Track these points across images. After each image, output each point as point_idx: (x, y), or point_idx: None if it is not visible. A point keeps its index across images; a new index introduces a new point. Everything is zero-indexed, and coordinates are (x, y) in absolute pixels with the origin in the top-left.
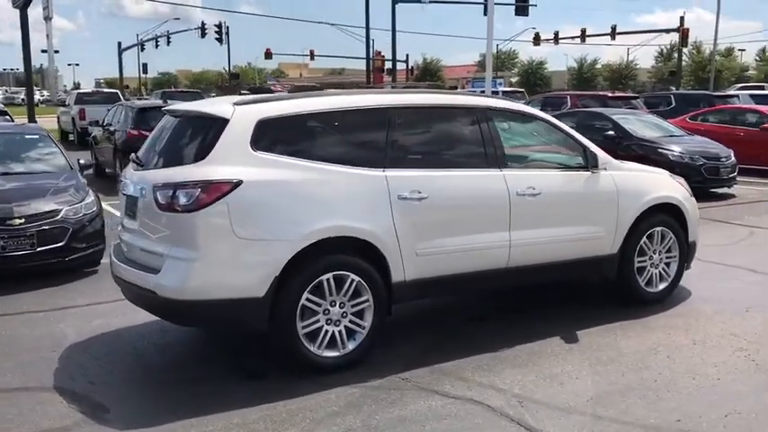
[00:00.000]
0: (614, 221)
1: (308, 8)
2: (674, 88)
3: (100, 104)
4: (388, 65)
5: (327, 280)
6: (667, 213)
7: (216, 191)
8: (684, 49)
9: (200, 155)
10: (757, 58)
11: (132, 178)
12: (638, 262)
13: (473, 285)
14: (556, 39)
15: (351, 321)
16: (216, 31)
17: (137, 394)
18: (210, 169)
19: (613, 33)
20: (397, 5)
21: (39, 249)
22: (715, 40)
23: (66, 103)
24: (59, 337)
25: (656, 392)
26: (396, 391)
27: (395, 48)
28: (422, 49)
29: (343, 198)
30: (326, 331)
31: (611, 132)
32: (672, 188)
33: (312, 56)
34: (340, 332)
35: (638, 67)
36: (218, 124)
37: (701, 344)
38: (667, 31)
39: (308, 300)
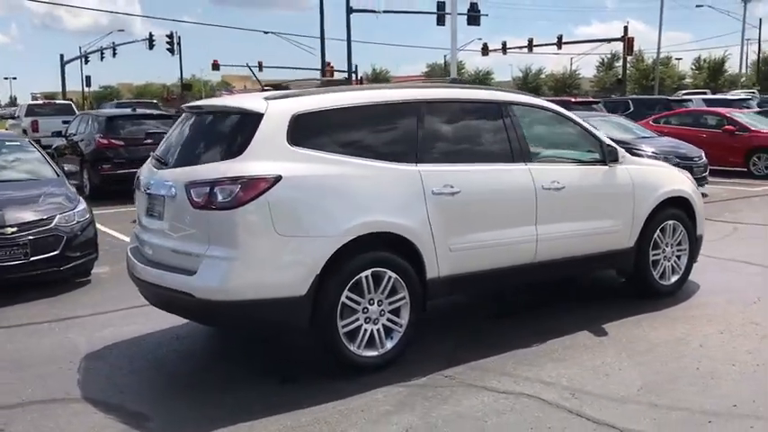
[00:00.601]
0: (631, 215)
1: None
2: (614, 96)
3: (53, 116)
4: (338, 75)
5: (366, 277)
6: (678, 207)
7: (256, 187)
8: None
9: (236, 151)
10: (693, 66)
11: (156, 177)
12: (653, 255)
13: (502, 281)
14: (504, 49)
15: (388, 319)
16: (167, 42)
17: (172, 402)
18: (249, 165)
19: (560, 43)
20: (350, 15)
21: (32, 259)
22: (658, 48)
23: (16, 116)
24: (71, 347)
25: (703, 380)
26: (443, 388)
27: (350, 58)
28: (369, 60)
29: (380, 193)
30: (365, 330)
31: None
32: (682, 182)
33: (261, 67)
34: (378, 331)
35: (581, 76)
36: (252, 119)
37: (728, 333)
38: (610, 40)
39: (347, 298)
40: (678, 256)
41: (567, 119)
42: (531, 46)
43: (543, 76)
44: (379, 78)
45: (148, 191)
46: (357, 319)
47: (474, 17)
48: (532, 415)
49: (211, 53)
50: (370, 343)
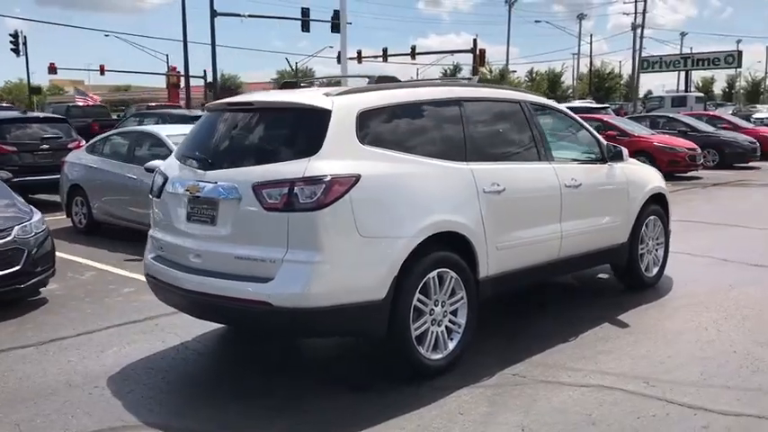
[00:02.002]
0: (626, 211)
1: (90, 20)
2: None
3: None
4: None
5: (433, 278)
6: (657, 203)
7: (340, 186)
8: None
9: (310, 149)
10: (526, 78)
11: (205, 178)
12: (640, 249)
13: (532, 277)
14: (359, 57)
15: (450, 321)
16: (11, 41)
17: (240, 420)
18: (328, 164)
19: (413, 53)
20: (215, 19)
21: None
22: (507, 60)
23: None
24: (84, 371)
25: (749, 362)
26: (521, 386)
27: (215, 63)
28: (218, 65)
29: (443, 193)
30: (432, 332)
31: None
32: (660, 179)
33: (102, 71)
34: (442, 333)
35: None
36: (320, 116)
37: (732, 318)
38: (461, 51)
39: (418, 300)
40: (657, 249)
41: (570, 119)
42: (385, 55)
43: None
44: (226, 85)
45: (197, 194)
46: (425, 322)
47: (337, 25)
48: (628, 405)
49: (48, 55)
50: (436, 346)
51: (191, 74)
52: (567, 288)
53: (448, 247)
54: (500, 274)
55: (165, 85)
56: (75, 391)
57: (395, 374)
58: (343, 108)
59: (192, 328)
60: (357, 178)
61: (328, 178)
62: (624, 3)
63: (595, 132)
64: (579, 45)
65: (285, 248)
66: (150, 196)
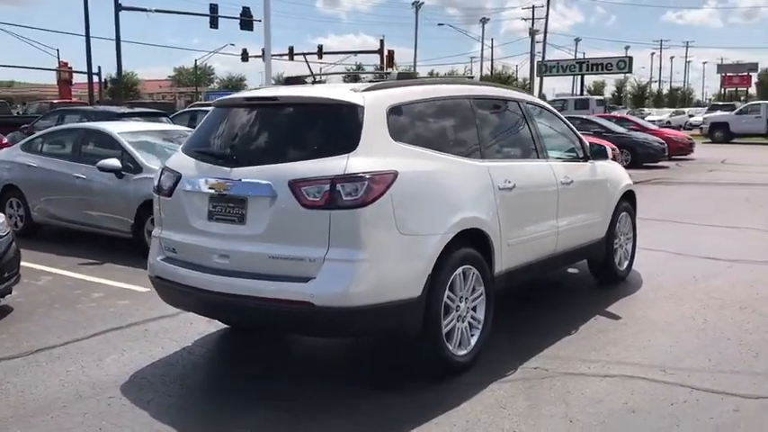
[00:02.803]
0: (606, 207)
1: None
2: None
3: None
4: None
5: (459, 275)
6: (627, 200)
7: (381, 183)
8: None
9: (348, 145)
10: None
11: (231, 176)
12: (615, 244)
13: (533, 273)
14: (263, 56)
15: (471, 317)
16: None
17: (282, 426)
18: (367, 161)
19: (320, 52)
20: (119, 13)
21: None
22: (414, 61)
23: None
24: (89, 381)
25: (746, 348)
26: (550, 379)
27: (120, 59)
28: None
29: (467, 190)
30: (458, 329)
31: None
32: (628, 177)
33: None
34: (465, 329)
35: None
36: (354, 112)
37: (709, 308)
38: (370, 52)
39: (447, 297)
40: (626, 244)
41: (558, 118)
42: (291, 54)
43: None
44: (124, 80)
45: (223, 191)
46: (453, 319)
47: (247, 22)
48: (657, 392)
49: None
50: (461, 342)
51: (82, 70)
52: (541, 285)
53: (470, 244)
54: (510, 270)
55: (54, 82)
56: (91, 402)
57: (425, 373)
58: (375, 103)
59: (186, 332)
60: (395, 175)
61: (370, 175)
62: (522, 8)
63: (577, 131)
64: (482, 48)
65: (326, 247)
66: (156, 195)
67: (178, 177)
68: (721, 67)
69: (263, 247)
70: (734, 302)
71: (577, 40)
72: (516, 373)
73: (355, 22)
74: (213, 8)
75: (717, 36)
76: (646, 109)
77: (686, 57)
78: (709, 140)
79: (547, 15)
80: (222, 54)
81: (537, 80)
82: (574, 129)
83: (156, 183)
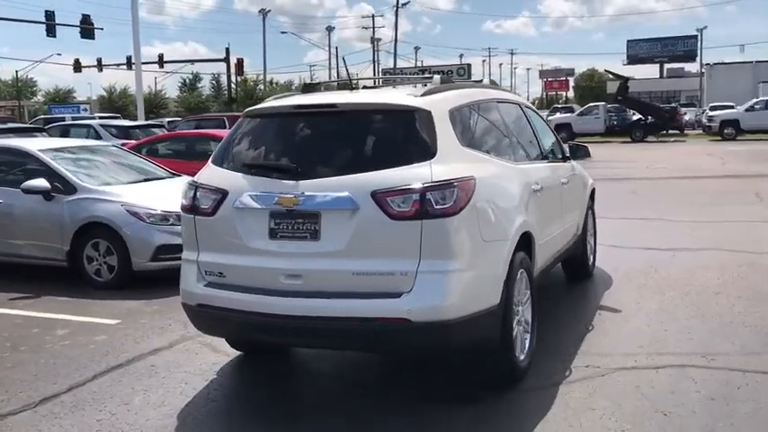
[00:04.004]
0: (582, 204)
1: None
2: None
3: None
4: None
5: (518, 279)
6: (591, 197)
7: (467, 190)
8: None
9: (425, 152)
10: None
11: (297, 190)
12: (587, 240)
13: (546, 273)
14: (99, 65)
15: (524, 321)
16: None
17: None
18: (449, 167)
19: (161, 62)
20: None
21: None
22: (264, 69)
23: None
24: (134, 429)
25: (749, 327)
26: (607, 376)
27: None
28: None
29: (517, 193)
30: (519, 334)
31: None
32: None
33: None
34: (522, 333)
35: (167, 96)
36: (424, 117)
37: (691, 294)
38: (214, 60)
39: (514, 302)
40: (591, 239)
41: (542, 119)
42: (129, 63)
43: (133, 94)
44: None
45: (293, 207)
46: (516, 323)
47: (88, 30)
48: (714, 378)
49: None
50: (521, 347)
51: None
52: None
53: (521, 247)
54: (540, 271)
55: None
56: None
57: (492, 382)
58: (439, 108)
59: (198, 363)
60: (475, 181)
61: (457, 182)
62: (363, 17)
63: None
64: (329, 56)
65: (417, 258)
66: (188, 215)
67: (223, 194)
68: (543, 73)
69: (345, 263)
70: (705, 288)
71: (417, 49)
72: (574, 374)
73: (184, 30)
74: (49, 15)
75: (535, 44)
76: None
77: (512, 63)
78: None
79: (396, 23)
80: (49, 64)
81: None
82: (553, 129)
83: (187, 202)
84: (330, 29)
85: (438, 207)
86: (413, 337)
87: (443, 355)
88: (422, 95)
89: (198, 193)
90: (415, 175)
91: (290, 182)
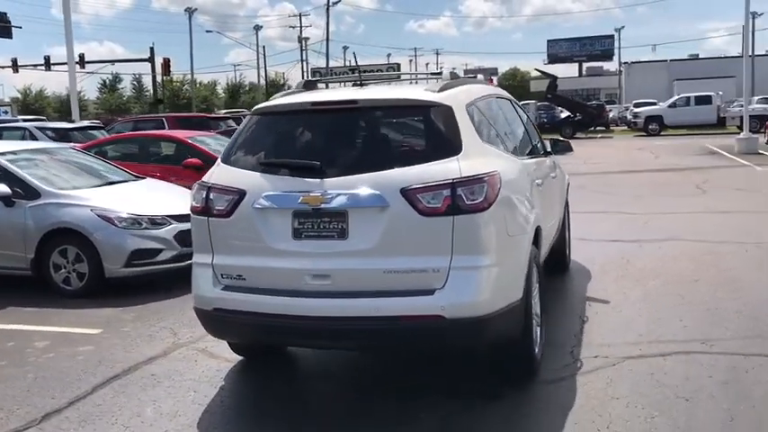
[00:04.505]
0: (562, 198)
1: None
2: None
3: None
4: None
5: (534, 272)
6: (566, 192)
7: (495, 184)
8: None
9: (451, 148)
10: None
11: (323, 187)
12: (567, 233)
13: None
14: (15, 66)
15: (536, 313)
16: None
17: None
18: (476, 162)
19: (82, 62)
20: None
21: None
22: (192, 69)
23: None
24: None
25: (735, 314)
26: (619, 366)
27: None
28: None
29: (529, 187)
30: (535, 326)
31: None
32: None
33: None
34: (535, 325)
35: (86, 98)
36: (446, 112)
37: (670, 283)
38: (137, 60)
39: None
40: (567, 233)
41: (526, 114)
42: (48, 64)
43: (50, 96)
44: None
45: (319, 206)
46: (533, 316)
47: (5, 29)
48: (720, 364)
49: None
50: (536, 339)
51: None
52: None
53: (534, 241)
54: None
55: None
56: None
57: (510, 375)
58: (458, 103)
59: (200, 370)
60: (500, 176)
61: (487, 177)
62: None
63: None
64: (258, 56)
65: (449, 254)
66: (200, 217)
67: (240, 194)
68: (467, 72)
69: (376, 261)
70: (682, 277)
71: (345, 48)
72: (586, 365)
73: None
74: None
75: (458, 43)
76: None
77: (437, 63)
78: None
79: (327, 21)
80: None
81: None
82: (534, 123)
83: (199, 204)
84: (258, 27)
85: (469, 202)
86: (446, 333)
87: (472, 350)
88: (439, 91)
89: (211, 195)
90: (443, 170)
91: (314, 180)
